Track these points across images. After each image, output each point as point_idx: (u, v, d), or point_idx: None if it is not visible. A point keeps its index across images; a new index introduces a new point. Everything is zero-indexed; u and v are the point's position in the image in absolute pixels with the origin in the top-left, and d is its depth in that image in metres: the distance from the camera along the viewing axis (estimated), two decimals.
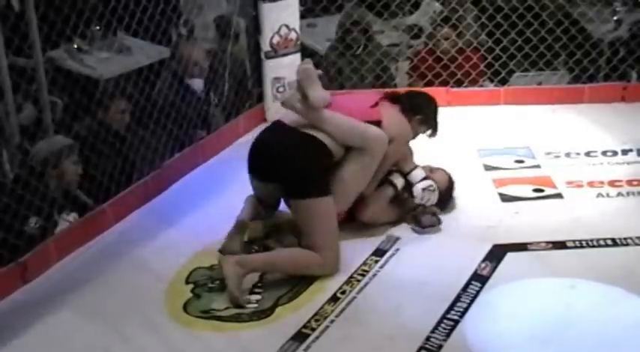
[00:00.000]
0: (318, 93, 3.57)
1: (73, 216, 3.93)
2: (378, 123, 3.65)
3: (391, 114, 3.76)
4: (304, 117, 3.58)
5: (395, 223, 3.86)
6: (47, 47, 4.41)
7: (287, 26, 5.13)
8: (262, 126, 4.99)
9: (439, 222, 3.81)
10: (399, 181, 3.84)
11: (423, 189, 3.80)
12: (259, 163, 3.65)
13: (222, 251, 3.56)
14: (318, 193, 3.48)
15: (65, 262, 3.63)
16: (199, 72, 5.03)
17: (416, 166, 3.86)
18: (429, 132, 3.96)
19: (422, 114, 3.89)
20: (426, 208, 3.82)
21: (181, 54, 5.00)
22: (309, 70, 3.60)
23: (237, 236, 3.61)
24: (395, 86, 5.65)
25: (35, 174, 3.69)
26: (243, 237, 3.64)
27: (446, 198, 3.94)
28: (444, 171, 4.00)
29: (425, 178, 3.83)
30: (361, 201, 3.74)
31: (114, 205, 3.95)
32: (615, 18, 5.73)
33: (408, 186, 3.84)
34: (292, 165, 3.52)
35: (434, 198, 3.83)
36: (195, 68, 5.01)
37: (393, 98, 3.89)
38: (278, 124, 3.69)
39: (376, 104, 3.76)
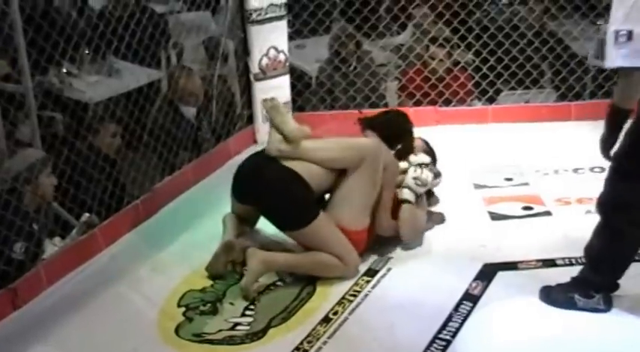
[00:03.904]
0: (292, 125, 3.58)
1: (57, 240, 3.93)
2: None
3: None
4: (292, 156, 3.59)
5: (388, 241, 3.88)
6: (36, 72, 4.41)
7: (275, 48, 5.16)
8: (253, 148, 5.04)
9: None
10: (410, 195, 3.83)
11: (414, 178, 3.84)
12: (242, 191, 3.74)
13: (207, 270, 3.65)
14: (307, 221, 3.53)
15: (56, 287, 3.60)
16: (194, 101, 5.05)
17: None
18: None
19: (400, 142, 3.89)
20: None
21: (178, 84, 5.03)
22: (276, 104, 3.64)
23: (222, 256, 3.66)
24: (386, 105, 5.68)
25: (10, 191, 3.67)
26: (228, 257, 3.68)
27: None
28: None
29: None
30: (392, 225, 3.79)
31: (104, 229, 3.95)
32: (599, 36, 5.75)
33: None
34: (272, 203, 3.61)
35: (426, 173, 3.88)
36: (191, 98, 5.03)
37: (370, 125, 3.89)
38: (263, 153, 3.71)
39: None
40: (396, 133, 3.91)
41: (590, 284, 3.24)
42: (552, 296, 3.31)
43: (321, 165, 3.60)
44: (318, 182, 3.59)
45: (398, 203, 3.79)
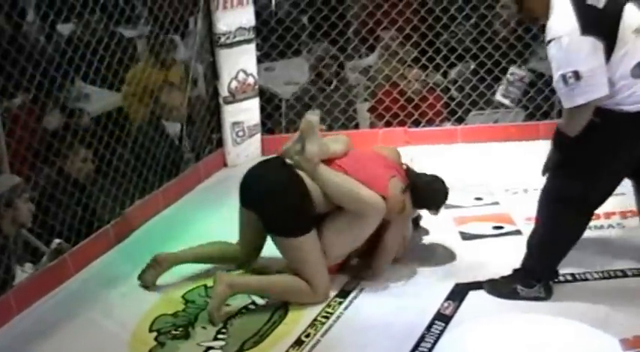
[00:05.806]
0: (315, 147, 3.57)
1: (28, 266, 3.89)
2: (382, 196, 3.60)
3: (397, 194, 3.66)
4: (300, 169, 3.59)
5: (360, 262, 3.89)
6: (4, 98, 4.38)
7: (244, 71, 5.18)
8: (223, 171, 5.05)
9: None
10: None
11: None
12: (246, 192, 3.69)
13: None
14: (299, 232, 3.52)
15: (26, 314, 3.57)
16: (177, 116, 5.04)
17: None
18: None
19: (425, 207, 3.90)
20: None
21: (161, 99, 5.02)
22: (312, 122, 3.61)
23: (149, 269, 3.73)
24: (357, 126, 5.71)
25: None
26: (159, 271, 3.72)
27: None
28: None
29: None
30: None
31: (74, 255, 3.92)
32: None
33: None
34: (272, 203, 3.56)
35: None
36: (173, 113, 5.02)
37: (409, 180, 3.80)
38: (278, 158, 3.71)
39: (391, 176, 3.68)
40: (426, 202, 3.87)
41: (531, 274, 3.46)
42: (497, 287, 3.55)
43: (327, 195, 3.59)
44: (321, 201, 3.57)
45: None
